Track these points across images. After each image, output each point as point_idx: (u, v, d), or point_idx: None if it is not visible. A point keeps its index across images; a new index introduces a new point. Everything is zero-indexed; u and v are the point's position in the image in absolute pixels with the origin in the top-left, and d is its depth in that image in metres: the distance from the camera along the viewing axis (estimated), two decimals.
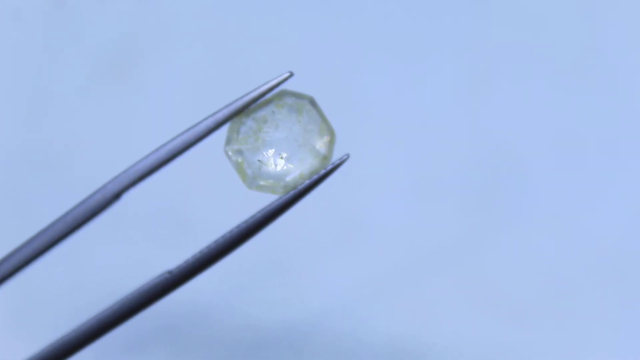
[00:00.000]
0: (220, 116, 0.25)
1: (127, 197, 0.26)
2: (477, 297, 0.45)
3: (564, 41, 0.49)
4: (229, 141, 0.26)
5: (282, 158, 0.26)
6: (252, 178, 0.26)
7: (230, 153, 0.26)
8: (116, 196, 0.25)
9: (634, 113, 0.48)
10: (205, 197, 0.46)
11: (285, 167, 0.26)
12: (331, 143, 0.26)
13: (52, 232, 0.25)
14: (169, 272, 0.25)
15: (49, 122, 0.48)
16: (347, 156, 0.26)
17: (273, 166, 0.26)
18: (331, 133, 0.26)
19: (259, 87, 0.26)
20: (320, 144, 0.26)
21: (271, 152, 0.26)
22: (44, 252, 0.26)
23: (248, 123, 0.26)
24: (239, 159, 0.26)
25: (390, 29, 0.49)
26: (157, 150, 0.25)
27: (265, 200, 0.26)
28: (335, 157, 0.26)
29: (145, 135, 0.47)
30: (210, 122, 0.25)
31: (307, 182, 0.26)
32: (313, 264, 0.45)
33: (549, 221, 0.46)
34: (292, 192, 0.25)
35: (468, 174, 0.47)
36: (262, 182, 0.26)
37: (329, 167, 0.26)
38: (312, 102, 0.26)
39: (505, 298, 0.45)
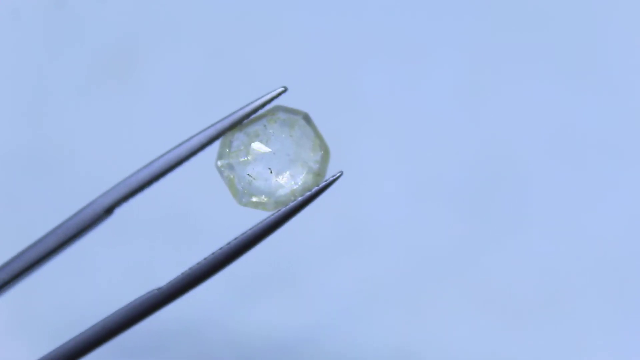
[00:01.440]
0: (212, 131, 0.25)
1: (119, 210, 0.26)
2: (480, 302, 0.45)
3: (564, 41, 0.48)
4: (220, 156, 0.26)
5: (271, 172, 0.25)
6: (242, 193, 0.25)
7: (221, 168, 0.26)
8: (108, 211, 0.25)
9: (635, 114, 0.48)
10: (198, 213, 0.45)
11: (275, 182, 0.25)
12: (325, 160, 0.26)
13: (43, 246, 0.25)
14: (158, 288, 0.25)
15: (49, 122, 0.48)
16: (341, 173, 0.25)
17: (263, 181, 0.25)
18: (325, 150, 0.26)
19: (252, 102, 0.25)
20: (314, 160, 0.26)
21: (261, 166, 0.25)
22: (34, 267, 0.25)
23: (240, 137, 0.26)
24: (230, 175, 0.25)
25: (389, 32, 0.49)
26: (149, 165, 0.25)
27: (257, 217, 0.26)
28: (330, 174, 0.26)
29: (145, 135, 0.47)
30: (202, 137, 0.25)
31: (300, 199, 0.25)
32: (314, 272, 0.45)
33: (552, 224, 0.46)
34: (284, 210, 0.25)
35: (469, 178, 0.46)
36: (253, 198, 0.25)
37: (322, 184, 0.25)
38: (306, 118, 0.26)
39: (509, 302, 0.45)
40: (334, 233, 0.46)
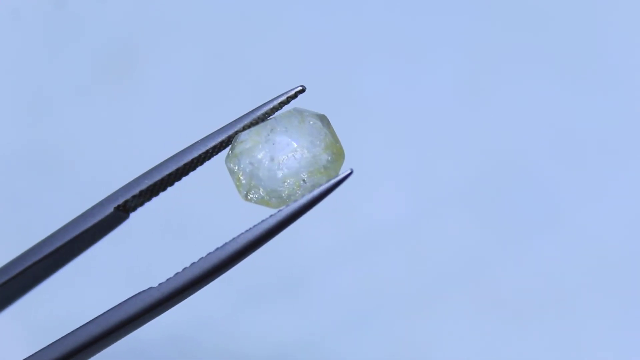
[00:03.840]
0: (230, 131, 0.24)
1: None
2: (486, 307, 0.44)
3: (564, 42, 0.48)
4: (228, 153, 0.24)
5: (274, 162, 0.24)
6: (245, 185, 0.24)
7: (227, 161, 0.24)
8: (119, 208, 0.24)
9: (637, 114, 0.48)
10: (203, 212, 0.45)
11: (280, 174, 0.24)
12: (337, 160, 0.24)
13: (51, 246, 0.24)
14: (154, 288, 0.23)
15: (50, 122, 0.48)
16: (351, 171, 0.23)
17: (267, 171, 0.24)
18: (338, 150, 0.24)
19: (270, 101, 0.24)
20: (324, 157, 0.24)
21: (265, 156, 0.24)
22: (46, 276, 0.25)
23: (249, 129, 0.24)
24: (235, 167, 0.24)
25: (389, 32, 0.49)
26: (161, 166, 0.24)
27: (262, 214, 0.24)
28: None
29: (146, 134, 0.47)
30: (219, 137, 0.24)
31: (307, 196, 0.23)
32: (317, 278, 0.44)
33: (555, 224, 0.46)
34: (290, 208, 0.23)
35: (471, 180, 0.46)
36: (256, 193, 0.24)
37: (331, 182, 0.23)
38: (323, 119, 0.24)
39: (515, 306, 0.44)
40: (337, 237, 0.45)
